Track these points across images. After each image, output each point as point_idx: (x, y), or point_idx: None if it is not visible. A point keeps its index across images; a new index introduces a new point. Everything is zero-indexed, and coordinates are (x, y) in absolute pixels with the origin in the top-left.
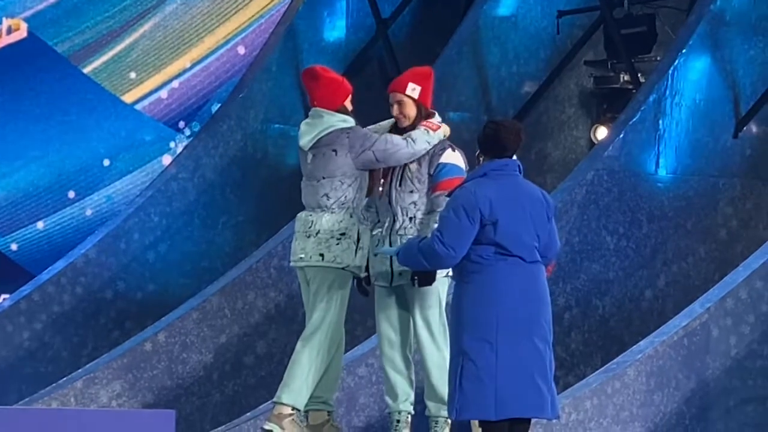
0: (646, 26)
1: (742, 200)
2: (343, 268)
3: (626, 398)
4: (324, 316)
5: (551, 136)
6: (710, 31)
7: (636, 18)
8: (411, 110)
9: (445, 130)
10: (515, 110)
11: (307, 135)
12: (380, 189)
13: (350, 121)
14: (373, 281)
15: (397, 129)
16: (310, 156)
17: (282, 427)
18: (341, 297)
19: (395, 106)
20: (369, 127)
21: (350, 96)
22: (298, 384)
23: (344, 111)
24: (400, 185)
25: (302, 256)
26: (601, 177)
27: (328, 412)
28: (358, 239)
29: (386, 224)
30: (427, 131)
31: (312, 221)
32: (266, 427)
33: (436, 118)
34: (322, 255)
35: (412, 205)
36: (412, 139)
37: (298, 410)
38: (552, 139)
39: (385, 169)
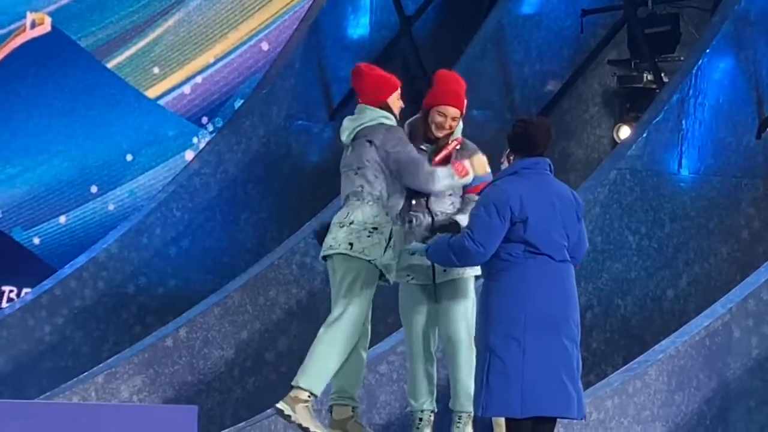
0: (669, 26)
1: (765, 201)
2: (369, 261)
3: (647, 398)
4: (346, 307)
5: (574, 134)
6: (734, 32)
7: (660, 17)
8: (457, 127)
9: (469, 178)
10: (538, 109)
11: (347, 130)
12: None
13: (392, 119)
14: (407, 279)
15: (425, 135)
16: (349, 149)
17: (294, 411)
18: (365, 291)
19: (447, 119)
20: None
21: (397, 92)
22: (316, 370)
23: (387, 108)
24: None
25: (332, 244)
26: (623, 176)
27: (353, 408)
28: (390, 237)
29: (423, 224)
30: (453, 176)
31: (348, 212)
32: (279, 406)
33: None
34: (351, 244)
35: (451, 206)
36: (436, 177)
37: (315, 396)
38: (575, 138)
39: None
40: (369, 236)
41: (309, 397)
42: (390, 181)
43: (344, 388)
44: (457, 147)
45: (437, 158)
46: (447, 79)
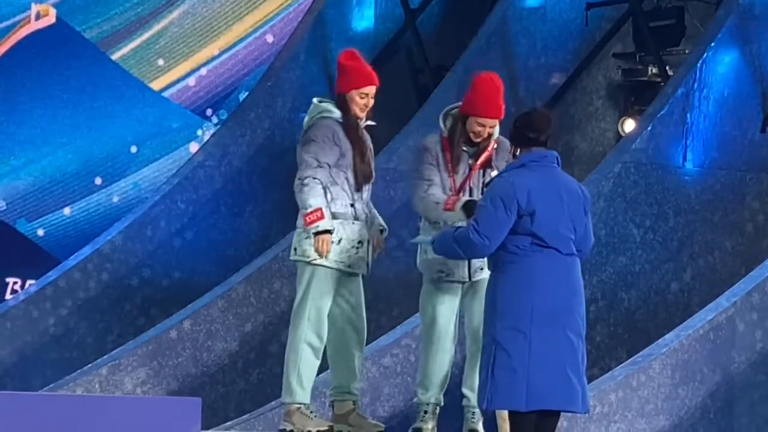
0: (674, 19)
1: None
2: (309, 262)
3: (651, 391)
4: (296, 309)
5: (579, 128)
6: (739, 25)
7: (665, 11)
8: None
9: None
10: (543, 101)
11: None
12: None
13: (334, 113)
14: (439, 276)
15: (466, 138)
16: None
17: (293, 423)
18: (316, 291)
19: (485, 129)
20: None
21: (364, 89)
22: (289, 381)
23: (342, 101)
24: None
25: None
26: (628, 170)
27: (353, 401)
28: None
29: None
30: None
31: (298, 216)
32: (280, 427)
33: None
34: (295, 249)
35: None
36: (300, 186)
37: (305, 404)
38: (579, 131)
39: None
40: (308, 237)
41: (299, 407)
42: (327, 178)
43: (341, 383)
44: (495, 146)
45: (479, 161)
46: (487, 89)
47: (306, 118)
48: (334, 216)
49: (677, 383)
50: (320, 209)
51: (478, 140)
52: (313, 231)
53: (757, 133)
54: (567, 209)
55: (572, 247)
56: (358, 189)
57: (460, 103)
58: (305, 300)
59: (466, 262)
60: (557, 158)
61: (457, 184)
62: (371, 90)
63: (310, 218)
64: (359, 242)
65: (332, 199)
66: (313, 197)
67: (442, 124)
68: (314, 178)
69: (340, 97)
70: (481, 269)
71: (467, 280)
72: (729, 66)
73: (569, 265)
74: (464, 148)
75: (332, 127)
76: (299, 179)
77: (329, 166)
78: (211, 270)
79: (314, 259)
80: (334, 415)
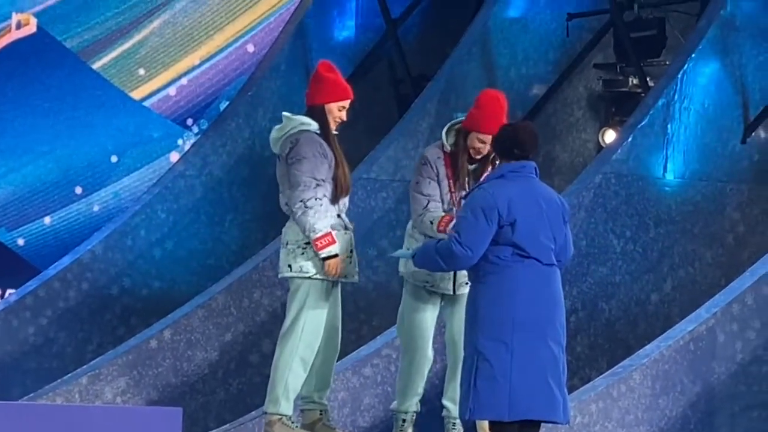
0: (655, 30)
1: (750, 206)
2: (309, 277)
3: (631, 402)
4: (293, 323)
5: (559, 138)
6: (720, 36)
7: (646, 21)
8: None
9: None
10: (524, 112)
11: (274, 141)
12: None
13: (312, 125)
14: (424, 285)
15: (468, 155)
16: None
17: None
18: (312, 305)
19: (486, 146)
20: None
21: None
22: (276, 392)
23: (320, 113)
24: None
25: (280, 266)
26: (608, 180)
27: (321, 411)
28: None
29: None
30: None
31: (284, 233)
32: None
33: None
34: (290, 266)
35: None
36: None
37: (286, 416)
38: (560, 142)
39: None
40: (303, 253)
41: (281, 418)
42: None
43: (308, 393)
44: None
45: (485, 176)
46: (491, 105)
47: (276, 134)
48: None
49: (658, 394)
50: (330, 234)
51: (478, 157)
52: (325, 256)
53: (737, 144)
54: (547, 219)
55: (552, 257)
56: (341, 199)
57: (464, 118)
58: (301, 314)
59: (452, 275)
60: (535, 168)
61: (457, 201)
62: (347, 103)
63: (321, 243)
64: (351, 251)
65: (325, 211)
66: (320, 221)
67: (444, 139)
68: (317, 199)
69: (317, 109)
70: (466, 284)
71: (451, 293)
72: (710, 77)
73: (550, 275)
74: (469, 167)
75: (317, 140)
76: (302, 201)
77: (323, 181)
78: (191, 279)
79: (314, 274)
80: (302, 425)
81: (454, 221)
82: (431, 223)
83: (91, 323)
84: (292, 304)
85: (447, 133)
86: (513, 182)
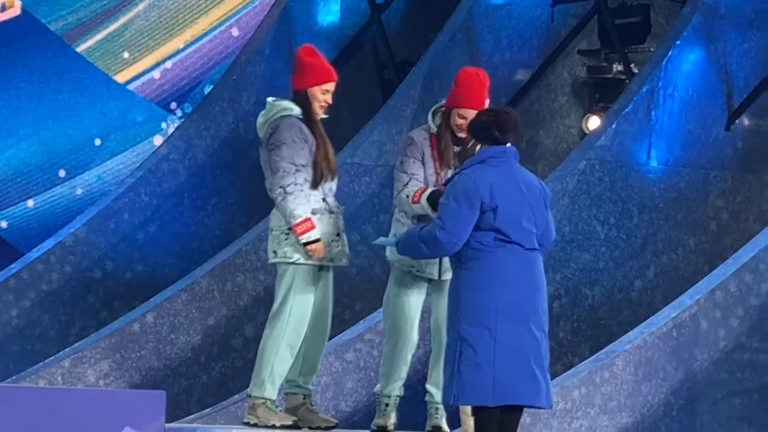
0: (640, 17)
1: (733, 193)
2: (293, 262)
3: (614, 388)
4: (279, 308)
5: (543, 124)
6: (704, 23)
7: (630, 8)
8: None
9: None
10: (507, 98)
11: (259, 127)
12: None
13: (294, 110)
14: (410, 270)
15: (453, 137)
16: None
17: (257, 416)
18: (299, 290)
19: (467, 122)
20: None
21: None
22: (261, 376)
23: (303, 97)
24: None
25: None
26: (592, 167)
27: (305, 395)
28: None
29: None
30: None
31: (270, 218)
32: (245, 420)
33: None
34: (275, 252)
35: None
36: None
37: (271, 400)
38: (544, 128)
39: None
40: (287, 238)
41: (265, 402)
42: (304, 180)
43: (294, 377)
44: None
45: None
46: (470, 81)
47: (261, 119)
48: (311, 213)
49: (640, 380)
50: (309, 219)
51: (461, 134)
52: (305, 241)
53: (721, 131)
54: (528, 204)
55: (535, 242)
56: (327, 183)
57: None
58: (287, 299)
59: (438, 260)
60: (516, 154)
61: (442, 181)
62: (332, 86)
63: (300, 229)
64: (337, 234)
65: (306, 196)
66: (299, 206)
67: (430, 120)
68: (296, 184)
69: (300, 94)
70: (449, 271)
71: (436, 278)
72: (694, 64)
73: (532, 260)
74: (454, 149)
75: (297, 125)
76: (281, 187)
77: (303, 166)
78: (174, 263)
79: (298, 259)
80: (285, 409)
81: (426, 192)
82: (407, 197)
83: (74, 306)
84: (279, 290)
85: (433, 114)
86: (494, 168)
